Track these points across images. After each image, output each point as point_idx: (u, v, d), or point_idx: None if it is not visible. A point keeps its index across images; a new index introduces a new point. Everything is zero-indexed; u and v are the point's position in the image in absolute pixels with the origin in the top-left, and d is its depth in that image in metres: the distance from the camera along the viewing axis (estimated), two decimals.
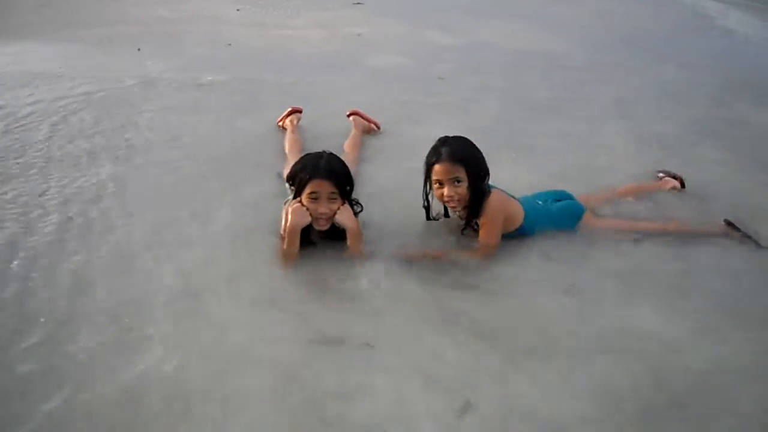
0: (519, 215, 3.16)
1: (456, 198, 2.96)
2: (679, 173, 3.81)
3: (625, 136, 4.72)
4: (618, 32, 8.24)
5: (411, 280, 2.89)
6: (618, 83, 6.12)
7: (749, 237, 3.24)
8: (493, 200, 3.02)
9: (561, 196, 3.42)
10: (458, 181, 2.92)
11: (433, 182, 3.01)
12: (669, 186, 3.76)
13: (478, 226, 3.09)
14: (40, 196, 3.49)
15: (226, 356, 2.43)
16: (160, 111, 4.90)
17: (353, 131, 4.35)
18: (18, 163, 3.87)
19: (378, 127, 4.54)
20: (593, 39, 7.87)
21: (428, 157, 3.02)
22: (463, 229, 3.16)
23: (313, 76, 6.06)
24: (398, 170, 3.88)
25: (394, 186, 3.70)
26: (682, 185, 3.75)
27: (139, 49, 6.68)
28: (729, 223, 3.32)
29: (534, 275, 2.99)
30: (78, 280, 2.80)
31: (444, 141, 3.01)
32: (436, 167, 2.95)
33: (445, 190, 2.96)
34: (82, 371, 2.31)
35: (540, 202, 3.32)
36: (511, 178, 3.59)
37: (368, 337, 2.53)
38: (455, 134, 3.08)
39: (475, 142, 3.06)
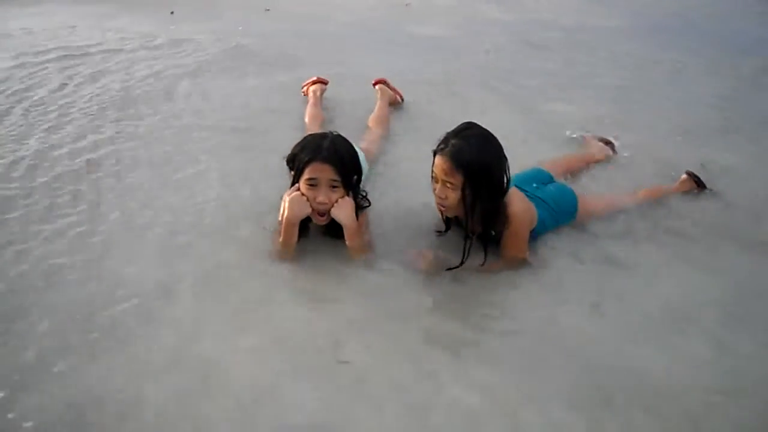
0: (535, 217, 2.67)
1: (445, 202, 2.47)
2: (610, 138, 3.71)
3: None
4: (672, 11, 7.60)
5: (412, 294, 2.47)
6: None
7: (706, 186, 3.27)
8: (518, 209, 2.53)
9: (542, 178, 2.95)
10: (451, 188, 2.42)
11: (432, 173, 2.51)
12: (602, 154, 3.60)
13: (495, 234, 2.60)
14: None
15: (190, 369, 2.07)
16: (179, 75, 4.61)
17: (378, 103, 3.98)
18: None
19: (402, 99, 4.22)
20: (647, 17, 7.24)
21: (438, 142, 2.49)
22: (466, 237, 2.52)
23: (351, 45, 5.69)
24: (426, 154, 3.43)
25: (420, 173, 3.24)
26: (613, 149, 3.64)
27: (172, 12, 6.40)
28: (690, 174, 3.29)
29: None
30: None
31: (459, 131, 2.46)
32: (437, 158, 2.45)
33: (437, 189, 2.49)
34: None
35: (528, 191, 2.79)
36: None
37: (352, 355, 2.15)
38: (484, 123, 2.55)
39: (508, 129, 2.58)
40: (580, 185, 3.23)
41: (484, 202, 2.43)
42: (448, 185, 2.41)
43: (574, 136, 3.82)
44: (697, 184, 3.28)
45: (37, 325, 2.19)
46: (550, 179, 3.00)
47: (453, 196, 2.42)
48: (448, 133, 2.48)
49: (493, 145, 2.45)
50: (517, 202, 2.54)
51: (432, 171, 2.49)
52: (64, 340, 2.14)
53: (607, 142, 3.68)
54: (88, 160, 3.28)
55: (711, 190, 3.27)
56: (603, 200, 3.09)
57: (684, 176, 3.31)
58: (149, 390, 1.97)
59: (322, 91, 4.13)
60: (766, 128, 4.22)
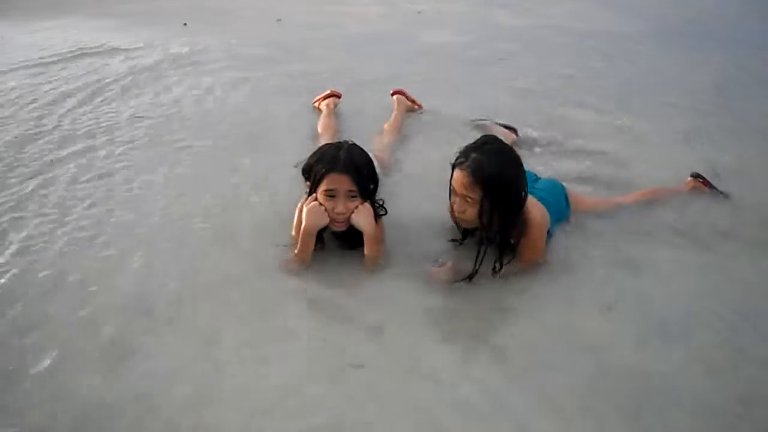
0: (549, 219, 2.64)
1: (464, 215, 2.44)
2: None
3: None
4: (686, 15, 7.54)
5: (424, 298, 2.43)
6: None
7: (716, 189, 3.22)
8: (535, 215, 2.51)
9: (530, 175, 2.85)
10: (470, 202, 2.40)
11: (450, 186, 2.49)
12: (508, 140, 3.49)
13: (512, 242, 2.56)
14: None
15: (198, 380, 2.04)
16: (192, 86, 4.60)
17: (395, 112, 3.98)
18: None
19: (420, 106, 4.21)
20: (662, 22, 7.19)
21: (457, 155, 2.47)
22: (480, 244, 2.49)
23: (364, 54, 5.67)
24: (436, 159, 3.35)
25: (432, 177, 3.15)
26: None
27: (185, 24, 6.44)
28: (697, 176, 3.26)
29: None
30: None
31: (479, 146, 2.43)
32: (456, 172, 2.42)
33: (456, 203, 2.46)
34: None
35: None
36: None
37: (365, 359, 2.13)
38: (500, 137, 2.55)
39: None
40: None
41: (503, 216, 2.40)
42: (468, 200, 2.38)
43: (480, 122, 3.88)
44: (704, 184, 3.25)
45: (43, 337, 2.17)
46: (535, 176, 2.96)
47: (471, 210, 2.40)
48: (468, 147, 2.45)
49: (512, 160, 2.42)
50: (533, 208, 2.51)
51: (450, 184, 2.46)
52: (72, 351, 2.12)
53: (511, 129, 3.73)
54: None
55: (722, 193, 3.21)
56: (592, 201, 3.08)
57: (689, 179, 3.27)
58: (159, 400, 1.94)
59: (335, 105, 4.11)
60: None
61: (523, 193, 2.44)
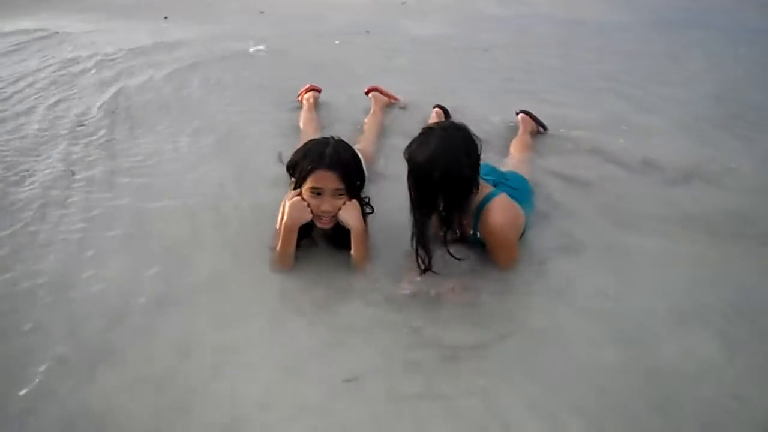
0: (523, 220, 2.53)
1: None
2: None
3: None
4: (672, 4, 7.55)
5: (409, 301, 2.35)
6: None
7: (539, 120, 3.67)
8: (500, 219, 2.36)
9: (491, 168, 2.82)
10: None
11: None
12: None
13: (478, 235, 2.46)
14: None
15: (176, 385, 1.98)
16: (170, 80, 4.52)
17: (373, 108, 3.95)
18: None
19: (397, 99, 4.19)
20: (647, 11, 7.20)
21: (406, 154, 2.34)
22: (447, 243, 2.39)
23: (345, 46, 5.60)
24: None
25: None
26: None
27: (166, 18, 6.34)
28: (524, 112, 3.68)
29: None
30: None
31: (422, 138, 2.30)
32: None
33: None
34: None
35: (500, 182, 2.67)
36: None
37: (350, 365, 2.06)
38: (458, 121, 2.42)
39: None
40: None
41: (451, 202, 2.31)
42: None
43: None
44: (529, 117, 3.66)
45: (32, 341, 2.11)
46: (496, 170, 2.88)
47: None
48: (414, 142, 2.35)
49: (455, 144, 2.27)
50: (499, 211, 2.38)
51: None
52: (57, 355, 2.05)
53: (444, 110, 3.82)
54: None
55: (543, 125, 3.68)
56: (526, 167, 3.15)
57: (519, 117, 3.65)
58: (144, 406, 1.88)
59: (316, 99, 4.09)
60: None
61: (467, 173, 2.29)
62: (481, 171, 2.41)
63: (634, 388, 1.99)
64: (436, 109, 3.84)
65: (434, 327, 2.23)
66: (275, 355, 2.09)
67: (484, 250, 2.50)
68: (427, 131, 2.33)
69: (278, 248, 2.46)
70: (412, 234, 2.38)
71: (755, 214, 2.96)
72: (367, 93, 4.10)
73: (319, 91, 4.15)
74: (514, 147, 3.47)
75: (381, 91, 4.10)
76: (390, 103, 4.12)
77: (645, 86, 4.76)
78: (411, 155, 2.30)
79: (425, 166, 2.23)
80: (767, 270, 2.60)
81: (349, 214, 2.41)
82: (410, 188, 2.33)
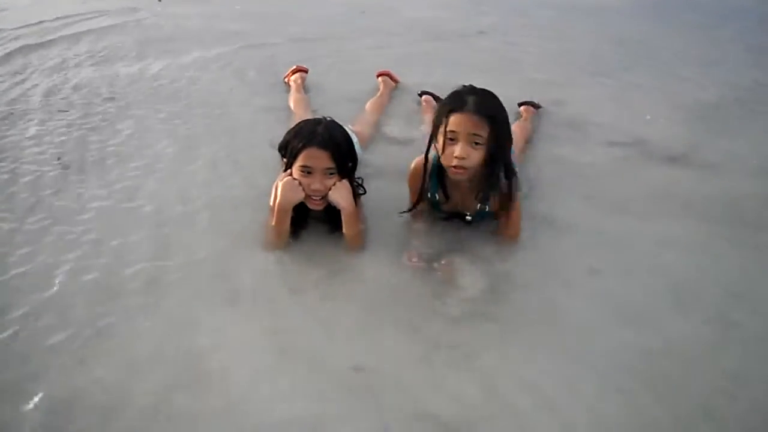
0: None
1: (467, 163, 2.27)
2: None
3: None
4: None
5: (405, 282, 2.34)
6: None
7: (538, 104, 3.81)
8: (518, 198, 2.46)
9: None
10: (477, 143, 2.25)
11: (445, 136, 2.29)
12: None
13: (488, 209, 2.50)
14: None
15: (174, 365, 1.96)
16: (163, 63, 4.47)
17: (381, 90, 3.96)
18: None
19: (398, 81, 4.21)
20: None
21: (445, 102, 2.34)
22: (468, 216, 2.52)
23: (344, 29, 5.55)
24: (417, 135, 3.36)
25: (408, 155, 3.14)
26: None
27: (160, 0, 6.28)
28: (524, 103, 3.76)
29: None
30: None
31: (472, 89, 2.34)
32: (457, 116, 2.26)
33: (458, 149, 2.26)
34: None
35: None
36: None
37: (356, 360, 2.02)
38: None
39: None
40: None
41: (506, 157, 2.37)
42: (475, 141, 2.26)
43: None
44: (532, 106, 3.76)
45: (21, 325, 2.08)
46: None
47: (476, 154, 2.27)
48: (455, 92, 2.35)
49: (499, 100, 2.37)
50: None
51: (446, 133, 2.30)
52: (49, 337, 2.03)
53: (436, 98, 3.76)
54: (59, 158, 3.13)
55: (539, 105, 3.80)
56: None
57: (521, 109, 3.72)
58: (136, 387, 1.86)
59: (303, 79, 4.08)
60: None
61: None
62: None
63: (630, 368, 1.98)
64: (425, 96, 3.84)
65: (431, 305, 2.23)
66: (269, 339, 2.06)
67: (474, 228, 2.53)
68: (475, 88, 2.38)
69: (272, 226, 2.44)
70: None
71: (752, 197, 2.97)
72: (378, 76, 4.11)
73: (305, 71, 4.14)
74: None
75: (391, 76, 4.12)
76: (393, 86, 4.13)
77: (640, 69, 4.75)
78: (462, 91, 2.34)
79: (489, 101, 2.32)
80: (764, 254, 2.59)
81: (340, 194, 2.39)
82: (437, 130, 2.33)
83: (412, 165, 2.53)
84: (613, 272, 2.43)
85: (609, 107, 4.00)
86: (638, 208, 2.85)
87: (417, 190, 2.51)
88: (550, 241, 2.59)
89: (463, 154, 2.24)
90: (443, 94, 2.46)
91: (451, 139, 2.28)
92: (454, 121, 2.25)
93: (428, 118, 3.29)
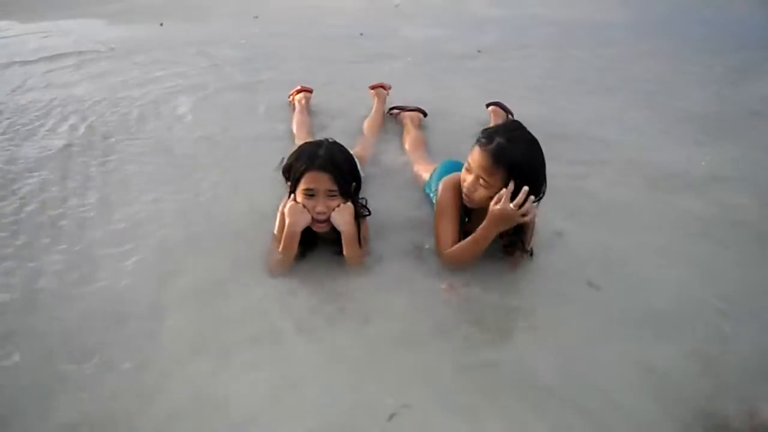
0: None
1: (473, 195, 2.39)
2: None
3: None
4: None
5: (417, 303, 2.39)
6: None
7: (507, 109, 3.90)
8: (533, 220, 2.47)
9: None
10: (484, 185, 2.34)
11: (467, 162, 2.41)
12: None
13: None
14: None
15: (182, 389, 1.99)
16: (164, 88, 4.51)
17: (375, 106, 3.99)
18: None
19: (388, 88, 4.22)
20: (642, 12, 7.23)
21: (478, 138, 2.39)
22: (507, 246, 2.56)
23: (341, 50, 5.62)
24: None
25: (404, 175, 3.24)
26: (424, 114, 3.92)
27: (161, 24, 6.35)
28: (494, 104, 3.92)
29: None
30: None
31: (507, 130, 2.35)
32: (477, 152, 2.34)
33: (468, 182, 2.38)
34: None
35: None
36: None
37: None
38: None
39: None
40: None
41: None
42: (481, 181, 2.33)
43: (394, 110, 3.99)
44: (499, 107, 3.88)
45: (25, 349, 2.11)
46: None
47: (482, 193, 2.35)
48: (494, 129, 2.39)
49: (537, 151, 2.34)
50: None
51: (468, 160, 2.40)
52: (53, 364, 2.06)
53: (420, 111, 3.91)
54: None
55: (509, 112, 3.86)
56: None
57: (489, 110, 3.87)
58: (140, 413, 1.90)
59: (308, 100, 4.10)
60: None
61: (544, 187, 2.38)
62: (456, 166, 2.60)
63: (629, 382, 2.02)
64: (492, 107, 3.93)
65: (440, 324, 2.28)
66: (273, 364, 2.10)
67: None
68: (515, 131, 2.38)
69: (280, 252, 2.48)
70: None
71: (753, 212, 3.02)
72: (372, 89, 4.13)
73: (310, 91, 4.16)
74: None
75: (383, 86, 4.13)
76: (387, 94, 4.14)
77: (640, 86, 4.80)
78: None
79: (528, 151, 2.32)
80: (763, 267, 2.64)
81: (341, 216, 2.43)
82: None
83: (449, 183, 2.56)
84: (612, 288, 2.47)
85: (608, 125, 4.04)
86: (633, 226, 2.90)
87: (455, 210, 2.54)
88: (545, 254, 2.64)
89: (469, 188, 2.40)
90: (444, 116, 2.53)
91: (467, 170, 2.42)
92: (474, 154, 2.37)
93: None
